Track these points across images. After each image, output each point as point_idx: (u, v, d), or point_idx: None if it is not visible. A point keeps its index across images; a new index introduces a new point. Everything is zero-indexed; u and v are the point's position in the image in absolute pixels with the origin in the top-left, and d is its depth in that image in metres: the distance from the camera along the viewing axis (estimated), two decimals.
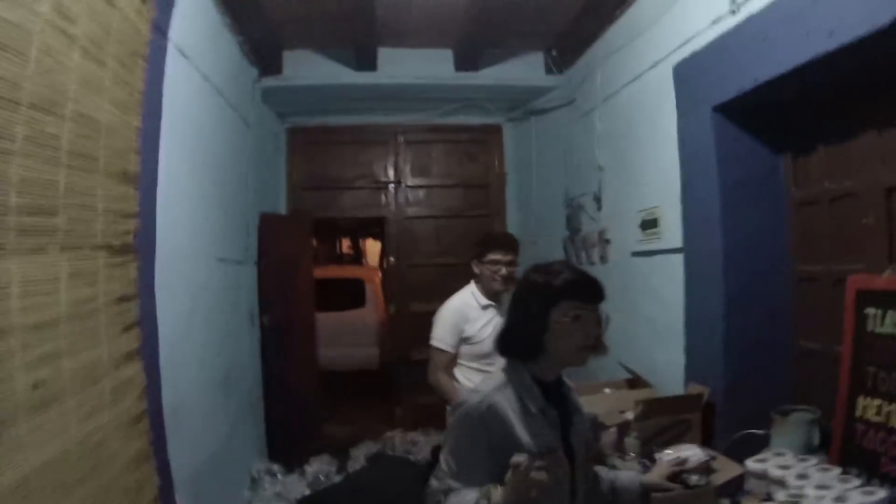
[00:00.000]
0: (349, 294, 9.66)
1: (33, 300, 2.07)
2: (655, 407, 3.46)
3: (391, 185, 7.41)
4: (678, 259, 4.08)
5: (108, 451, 2.54)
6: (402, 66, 6.15)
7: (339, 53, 6.08)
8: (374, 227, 12.92)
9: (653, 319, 4.50)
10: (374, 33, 5.64)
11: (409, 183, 7.42)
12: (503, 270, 3.87)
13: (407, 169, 7.41)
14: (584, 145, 5.73)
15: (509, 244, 3.98)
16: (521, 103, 6.90)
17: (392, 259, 7.55)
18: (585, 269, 5.36)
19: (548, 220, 6.65)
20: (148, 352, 3.10)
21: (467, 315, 3.89)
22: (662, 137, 4.25)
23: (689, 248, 3.98)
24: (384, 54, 6.07)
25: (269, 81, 6.01)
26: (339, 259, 13.78)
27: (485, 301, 3.95)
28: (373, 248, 16.50)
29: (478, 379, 3.71)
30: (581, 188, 5.81)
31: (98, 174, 2.60)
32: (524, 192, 7.28)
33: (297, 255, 6.51)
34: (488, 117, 7.34)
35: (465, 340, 3.87)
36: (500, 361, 3.72)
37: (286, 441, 5.91)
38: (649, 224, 4.47)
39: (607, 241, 5.23)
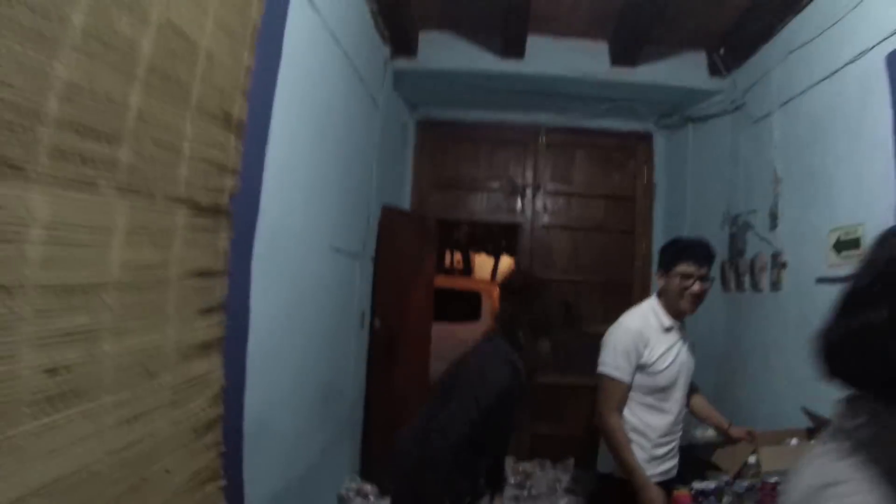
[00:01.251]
0: (465, 306, 9.04)
1: (66, 251, 1.49)
2: None
3: (528, 190, 6.70)
4: None
5: (158, 466, 1.94)
6: (553, 56, 5.48)
7: (482, 38, 5.46)
8: (488, 241, 12.26)
9: None
10: (524, 16, 5.00)
11: (548, 189, 6.70)
12: (695, 286, 3.17)
13: (546, 174, 6.71)
14: (756, 155, 4.97)
15: (705, 254, 3.27)
16: (678, 108, 6.13)
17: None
18: (750, 297, 4.66)
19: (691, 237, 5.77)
20: (233, 345, 2.54)
21: (647, 337, 3.19)
22: (867, 143, 3.56)
23: None
24: (533, 42, 5.41)
25: (402, 63, 5.45)
26: (448, 272, 13.16)
27: (668, 322, 3.26)
28: (483, 264, 16.34)
29: (651, 419, 3.18)
30: (749, 204, 5.02)
31: (189, 108, 2.05)
32: (675, 209, 6.48)
33: (418, 257, 5.92)
34: (639, 123, 6.61)
35: (640, 368, 3.18)
36: (680, 397, 3.10)
37: (384, 460, 5.22)
38: (847, 245, 3.68)
39: (783, 266, 4.43)
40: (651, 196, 6.72)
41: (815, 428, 3.56)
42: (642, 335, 3.17)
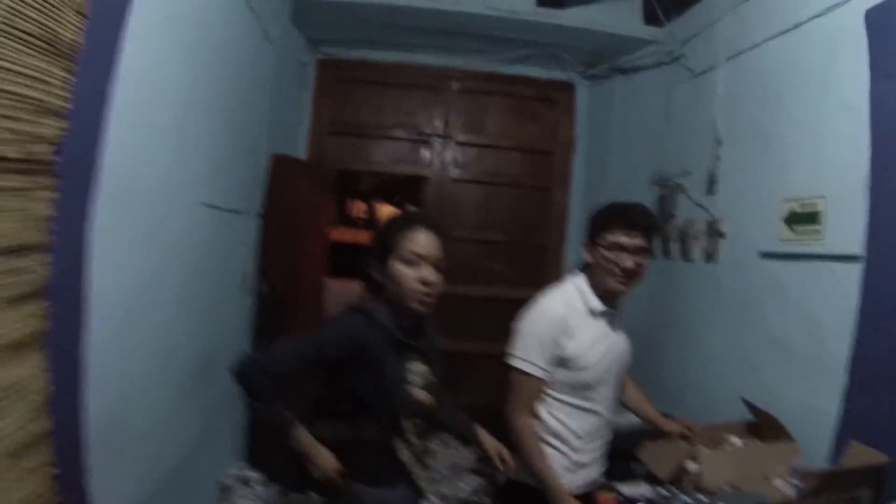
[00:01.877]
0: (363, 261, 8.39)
1: None
2: (833, 482, 2.48)
3: (437, 140, 6.08)
4: (849, 270, 2.93)
5: None
6: None
7: None
8: (395, 191, 11.67)
9: (786, 345, 3.34)
10: None
11: (459, 139, 6.10)
12: (629, 261, 2.59)
13: (458, 123, 6.10)
14: (694, 113, 4.49)
15: (642, 221, 2.68)
16: (607, 57, 5.59)
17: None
18: (680, 266, 4.13)
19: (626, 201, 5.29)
20: (63, 338, 1.98)
21: (571, 325, 2.63)
22: (833, 107, 3.14)
23: (875, 258, 2.81)
24: None
25: None
26: (350, 223, 12.53)
27: (598, 305, 2.69)
28: (387, 214, 15.36)
29: (574, 422, 2.67)
30: (682, 165, 4.55)
31: None
32: (597, 166, 5.96)
33: (312, 211, 5.27)
34: (562, 72, 6.05)
35: (561, 363, 2.63)
36: (610, 395, 2.78)
37: (272, 443, 4.63)
38: (803, 219, 3.26)
39: (720, 235, 3.99)
40: (570, 151, 6.21)
41: (756, 421, 3.19)
42: (564, 323, 2.61)
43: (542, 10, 4.96)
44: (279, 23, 4.54)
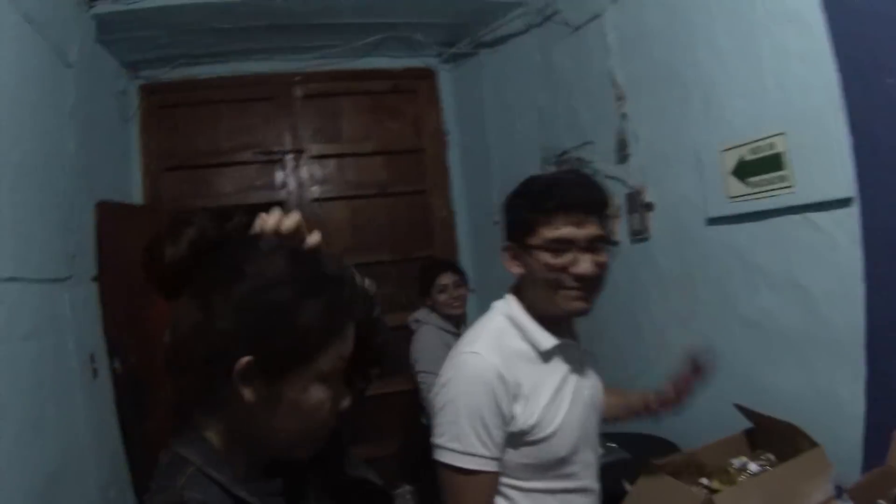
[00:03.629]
0: None
1: None
2: None
3: (288, 158, 5.29)
4: (837, 218, 2.38)
5: None
6: None
7: None
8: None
9: (765, 326, 2.78)
10: None
11: (313, 153, 5.34)
12: (582, 263, 1.75)
13: (307, 133, 5.34)
14: (584, 72, 3.90)
15: (591, 196, 1.84)
16: (466, 32, 4.96)
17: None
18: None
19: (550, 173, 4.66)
20: None
21: (516, 381, 1.75)
22: (773, 21, 2.60)
23: (874, 197, 2.26)
24: None
25: (106, 6, 3.87)
26: None
27: (547, 339, 1.83)
28: None
29: None
30: (579, 135, 3.97)
31: None
32: (476, 156, 5.31)
33: None
34: (417, 58, 5.40)
35: (516, 441, 1.77)
36: (591, 457, 1.95)
37: None
38: (758, 166, 2.69)
39: (646, 207, 3.40)
40: (442, 145, 5.55)
41: (754, 428, 2.51)
42: (505, 381, 1.73)
43: None
44: (80, 45, 3.68)
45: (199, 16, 4.20)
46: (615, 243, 1.82)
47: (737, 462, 2.35)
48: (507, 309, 1.88)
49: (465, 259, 5.23)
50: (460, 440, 1.69)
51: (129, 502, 3.65)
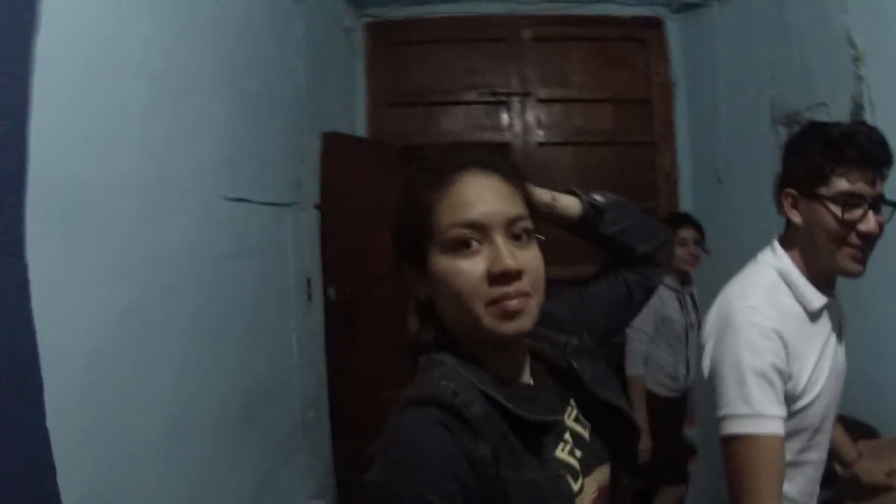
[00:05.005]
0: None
1: None
2: None
3: (514, 100, 5.20)
4: None
5: None
6: None
7: None
8: None
9: None
10: None
11: (541, 96, 5.22)
12: (868, 220, 1.63)
13: (536, 77, 5.22)
14: (819, 27, 3.58)
15: (882, 153, 1.68)
16: None
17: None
18: None
19: (743, 150, 4.45)
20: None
21: (791, 339, 1.63)
22: None
23: None
24: None
25: None
26: None
27: (818, 299, 1.72)
28: None
29: (795, 491, 1.72)
30: (814, 95, 3.65)
31: None
32: (704, 111, 5.00)
33: (379, 195, 4.45)
34: (646, 5, 5.17)
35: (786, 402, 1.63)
36: (830, 431, 1.79)
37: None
38: None
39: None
40: (670, 97, 5.30)
41: None
42: (784, 339, 1.61)
43: None
44: None
45: None
46: (895, 204, 1.64)
47: None
48: (778, 262, 1.78)
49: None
50: (750, 402, 1.56)
51: (324, 423, 3.78)
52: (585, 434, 1.23)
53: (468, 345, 1.15)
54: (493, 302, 1.08)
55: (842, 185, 1.64)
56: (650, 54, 5.32)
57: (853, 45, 3.28)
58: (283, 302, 3.22)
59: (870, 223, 1.62)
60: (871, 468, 2.03)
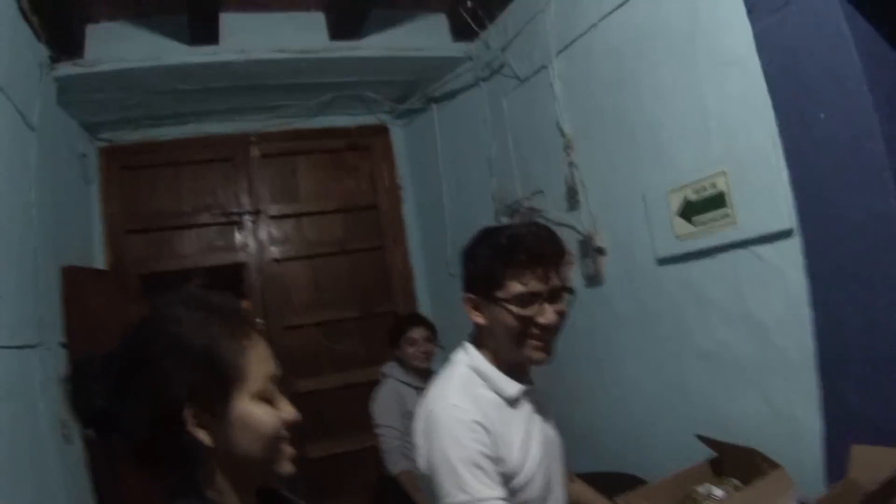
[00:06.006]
0: None
1: None
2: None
3: (247, 218, 5.30)
4: (781, 250, 2.49)
5: None
6: (255, 35, 4.20)
7: (166, 24, 4.09)
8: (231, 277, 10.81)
9: (722, 357, 2.85)
10: None
11: (272, 213, 5.36)
12: (547, 313, 1.84)
13: (265, 193, 5.36)
14: (532, 122, 4.02)
15: (552, 248, 1.90)
16: (417, 87, 5.07)
17: (259, 321, 5.19)
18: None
19: (508, 224, 4.72)
20: None
21: (492, 426, 1.77)
22: (711, 65, 2.74)
23: (814, 228, 2.37)
24: (229, 21, 4.14)
25: (67, 68, 3.93)
26: None
27: (513, 387, 1.89)
28: None
29: None
30: (531, 185, 4.09)
31: None
32: (431, 211, 5.38)
33: (122, 327, 4.38)
34: (371, 115, 5.51)
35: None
36: (561, 498, 1.98)
37: None
38: (703, 206, 2.81)
39: (599, 252, 3.51)
40: (397, 200, 5.65)
41: (717, 456, 2.64)
42: (485, 428, 1.75)
43: (336, 43, 4.39)
44: (42, 107, 3.69)
45: (157, 78, 4.28)
46: (574, 292, 1.86)
47: (702, 489, 2.45)
48: (469, 360, 1.92)
49: (424, 312, 5.17)
50: (465, 490, 1.66)
51: None
52: None
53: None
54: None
55: (515, 288, 1.80)
56: (375, 161, 5.64)
57: (563, 134, 3.68)
58: (39, 447, 3.07)
59: (547, 315, 1.80)
60: None
